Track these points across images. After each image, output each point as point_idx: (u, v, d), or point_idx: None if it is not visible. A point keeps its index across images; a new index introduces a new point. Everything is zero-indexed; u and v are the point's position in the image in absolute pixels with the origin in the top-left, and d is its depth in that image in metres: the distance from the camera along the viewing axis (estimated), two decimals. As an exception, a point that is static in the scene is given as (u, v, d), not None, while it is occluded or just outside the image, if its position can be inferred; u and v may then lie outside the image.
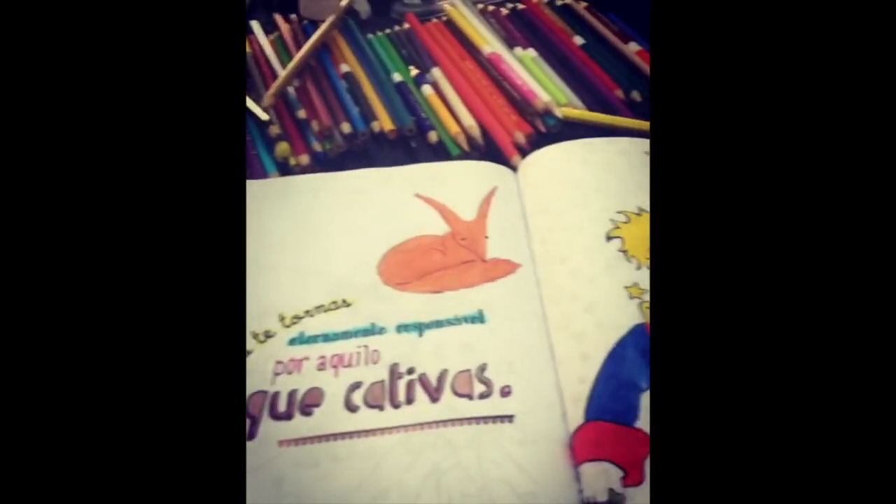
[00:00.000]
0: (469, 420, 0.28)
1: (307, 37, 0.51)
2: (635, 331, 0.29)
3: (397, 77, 0.48)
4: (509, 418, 0.28)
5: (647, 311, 0.30)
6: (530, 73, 0.47)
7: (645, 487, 0.25)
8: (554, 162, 0.38)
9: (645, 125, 0.42)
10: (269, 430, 0.28)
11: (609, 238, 0.33)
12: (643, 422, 0.26)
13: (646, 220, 0.34)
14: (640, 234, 0.33)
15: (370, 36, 0.53)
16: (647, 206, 0.35)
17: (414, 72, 0.48)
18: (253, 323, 0.32)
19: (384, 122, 0.44)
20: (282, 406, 0.29)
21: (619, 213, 0.34)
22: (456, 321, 0.31)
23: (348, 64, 0.49)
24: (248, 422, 0.28)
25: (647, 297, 0.30)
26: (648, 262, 0.32)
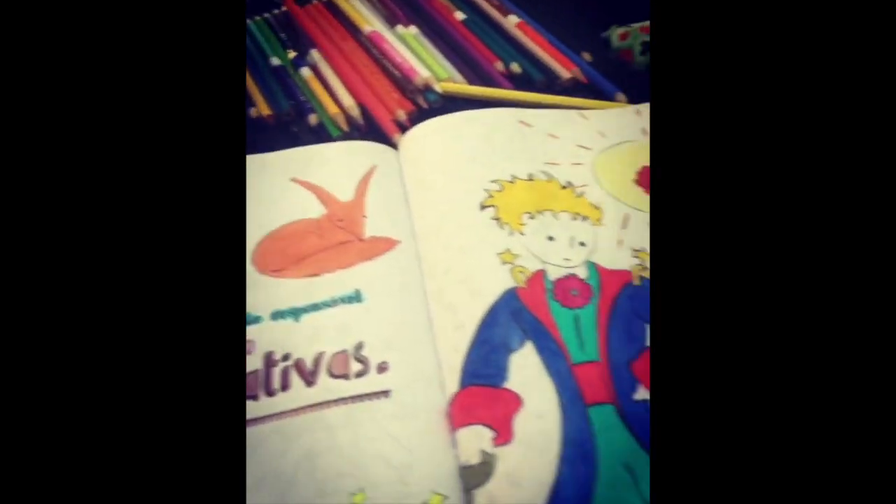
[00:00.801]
0: (345, 400, 0.27)
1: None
2: (506, 295, 0.29)
3: (275, 61, 0.46)
4: (385, 394, 0.27)
5: (519, 275, 0.30)
6: (411, 50, 0.46)
7: (514, 445, 0.25)
8: (430, 136, 0.38)
9: (522, 95, 0.42)
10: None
11: (483, 207, 0.33)
12: (511, 382, 0.27)
13: (519, 186, 0.34)
14: (512, 200, 0.33)
15: (248, 21, 0.52)
16: (519, 173, 0.35)
17: (292, 55, 0.47)
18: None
19: (262, 108, 0.42)
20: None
21: (493, 182, 0.34)
22: (333, 302, 0.31)
23: (226, 51, 0.47)
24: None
25: (518, 261, 0.31)
26: (521, 227, 0.32)
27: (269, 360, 0.29)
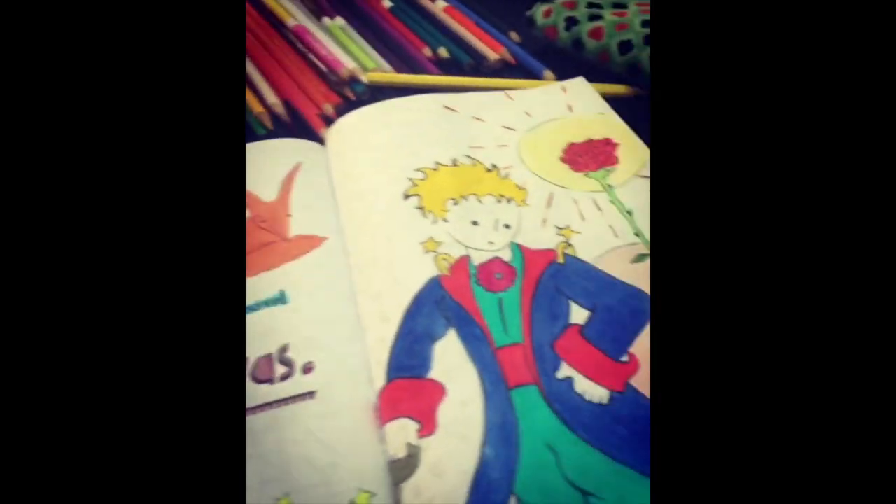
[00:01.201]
0: (270, 405, 0.27)
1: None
2: (429, 284, 0.29)
3: (202, 63, 0.45)
4: (311, 394, 0.27)
5: (443, 263, 0.30)
6: (338, 41, 0.45)
7: (438, 435, 0.25)
8: (354, 128, 0.37)
9: (449, 80, 0.42)
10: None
11: (406, 196, 0.33)
12: (435, 371, 0.26)
13: (443, 173, 0.34)
14: (435, 188, 0.33)
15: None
16: (443, 159, 0.34)
17: (218, 56, 0.46)
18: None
19: (187, 112, 0.41)
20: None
21: (416, 170, 0.34)
22: (256, 306, 0.30)
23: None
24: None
25: (442, 248, 0.30)
26: (444, 214, 0.32)
27: (193, 370, 0.28)
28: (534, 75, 0.43)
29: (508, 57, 0.44)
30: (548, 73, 0.42)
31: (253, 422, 0.26)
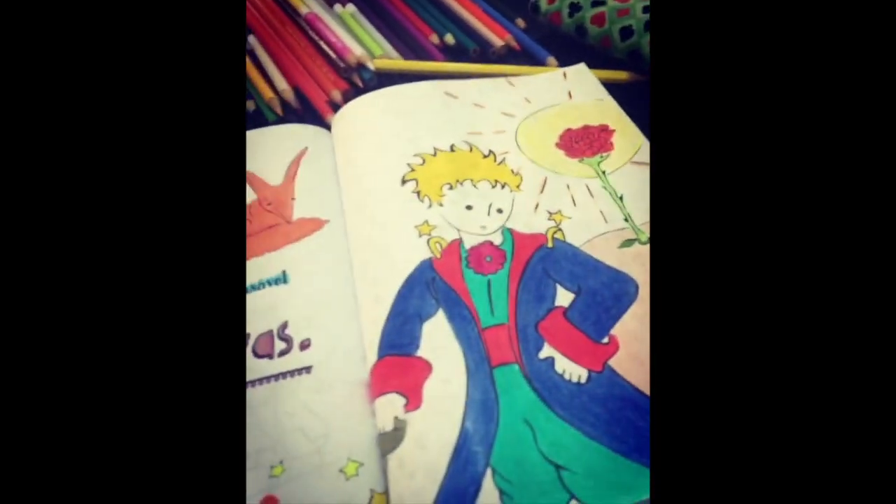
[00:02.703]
0: (268, 378, 0.28)
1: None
2: (421, 266, 0.30)
3: (217, 51, 0.47)
4: (307, 369, 0.29)
5: (435, 246, 0.31)
6: (348, 28, 0.46)
7: (423, 410, 0.26)
8: (357, 114, 0.38)
9: (454, 67, 0.43)
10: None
11: (404, 181, 0.34)
12: (423, 350, 0.27)
13: (440, 158, 0.35)
14: (432, 173, 0.34)
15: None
16: (441, 145, 0.35)
17: (232, 43, 0.48)
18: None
19: (202, 99, 0.43)
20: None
21: (415, 155, 0.35)
22: (259, 285, 0.32)
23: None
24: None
25: (436, 232, 0.31)
26: (439, 199, 0.33)
27: (199, 344, 0.30)
28: (538, 62, 0.43)
29: (513, 43, 0.44)
30: (551, 60, 0.43)
31: (252, 394, 0.28)
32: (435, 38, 0.45)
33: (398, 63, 0.43)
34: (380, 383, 0.28)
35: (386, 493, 0.25)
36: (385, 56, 0.44)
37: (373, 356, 0.28)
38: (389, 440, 0.26)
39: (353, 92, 0.42)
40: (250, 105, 0.42)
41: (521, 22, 0.46)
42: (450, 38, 0.45)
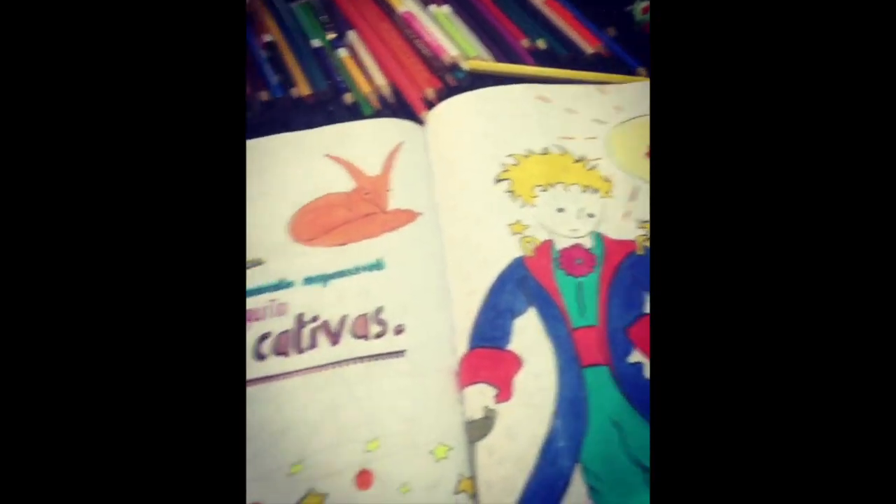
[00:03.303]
0: (364, 358, 0.30)
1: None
2: (513, 264, 0.31)
3: (316, 43, 0.49)
4: (401, 353, 0.30)
5: (527, 245, 0.32)
6: (442, 28, 0.48)
7: (513, 402, 0.27)
8: (452, 113, 0.39)
9: (545, 71, 0.43)
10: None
11: (498, 180, 0.35)
12: (514, 344, 0.29)
13: (533, 160, 0.36)
14: (525, 174, 0.35)
15: (293, 4, 0.54)
16: (534, 147, 0.36)
17: (331, 36, 0.50)
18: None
19: (302, 88, 0.45)
20: (198, 360, 0.31)
21: (508, 156, 0.36)
22: (357, 270, 0.34)
23: (270, 33, 0.50)
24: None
25: (528, 231, 0.33)
26: (532, 199, 0.34)
27: (300, 321, 0.32)
28: (628, 71, 0.43)
29: (604, 51, 0.45)
30: (641, 70, 0.43)
31: (348, 371, 0.30)
32: (526, 42, 0.46)
33: (491, 65, 0.45)
34: (470, 373, 0.29)
35: (473, 478, 0.26)
36: (478, 57, 0.45)
37: (463, 347, 0.30)
38: (478, 428, 0.27)
39: (446, 90, 0.44)
40: (348, 98, 0.44)
41: (612, 31, 0.47)
42: (541, 43, 0.46)
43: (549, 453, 0.25)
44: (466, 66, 0.44)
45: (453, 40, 0.47)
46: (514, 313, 0.30)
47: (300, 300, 0.33)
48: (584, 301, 0.30)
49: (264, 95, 0.45)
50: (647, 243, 0.32)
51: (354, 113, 0.44)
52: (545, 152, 0.36)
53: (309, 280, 0.34)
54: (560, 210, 0.33)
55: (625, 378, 0.27)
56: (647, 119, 0.38)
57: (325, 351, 0.31)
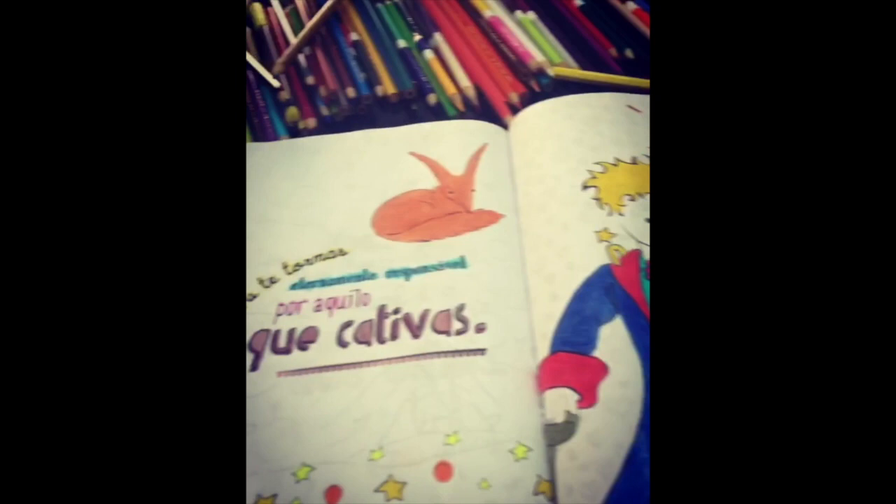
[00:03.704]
0: (445, 353, 0.30)
1: (319, 8, 0.54)
2: (600, 271, 0.31)
3: (402, 43, 0.50)
4: (482, 351, 0.30)
5: (614, 253, 0.32)
6: (528, 34, 0.48)
7: (597, 409, 0.27)
8: (539, 118, 0.40)
9: (633, 81, 0.43)
10: (270, 363, 0.31)
11: (585, 187, 0.35)
12: (600, 351, 0.28)
13: (622, 169, 0.36)
14: (613, 183, 0.35)
15: (379, 4, 0.55)
16: (623, 156, 0.36)
17: (417, 37, 0.50)
18: (259, 270, 0.35)
19: (387, 87, 0.46)
20: (282, 342, 0.32)
21: (596, 163, 0.36)
22: (440, 266, 0.34)
23: (357, 32, 0.51)
24: (251, 356, 0.32)
25: (615, 240, 0.32)
26: (620, 208, 0.34)
27: (382, 313, 0.32)
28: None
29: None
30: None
31: (429, 366, 0.30)
32: (614, 51, 0.46)
33: (578, 72, 0.45)
34: (551, 376, 0.29)
35: (551, 480, 0.26)
36: (563, 64, 0.45)
37: (545, 350, 0.30)
38: (559, 432, 0.27)
39: (530, 95, 0.44)
40: (432, 98, 0.45)
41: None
42: (629, 53, 0.46)
43: (635, 463, 0.25)
44: (552, 72, 0.44)
45: (539, 46, 0.47)
46: (601, 321, 0.29)
47: (382, 292, 0.33)
48: (673, 313, 0.29)
49: (351, 92, 0.46)
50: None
51: (438, 113, 0.45)
52: (634, 162, 0.36)
53: (391, 273, 0.34)
54: (648, 220, 0.33)
55: (714, 394, 0.27)
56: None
57: (406, 343, 0.31)
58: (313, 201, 0.39)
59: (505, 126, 0.42)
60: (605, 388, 0.27)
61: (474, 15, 0.51)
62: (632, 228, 0.33)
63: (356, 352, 0.31)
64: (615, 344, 0.29)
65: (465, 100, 0.44)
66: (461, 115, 0.44)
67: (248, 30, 0.53)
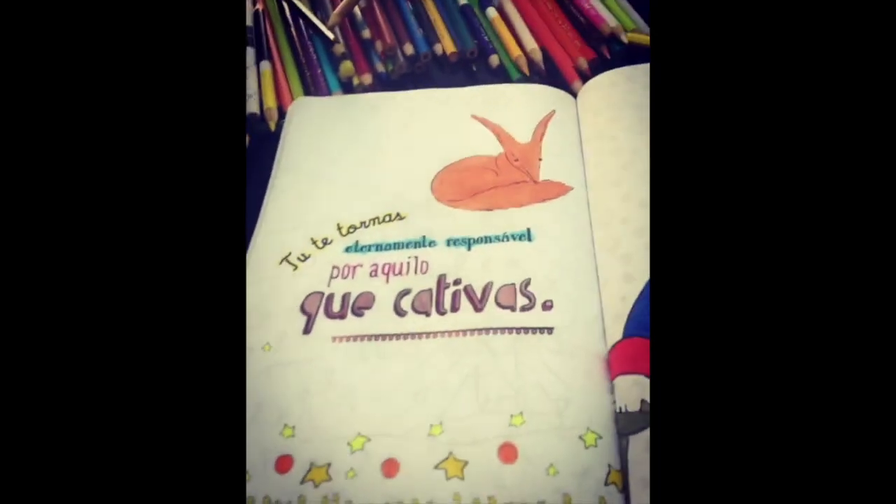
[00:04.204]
0: (510, 329, 0.29)
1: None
2: (681, 254, 0.29)
3: (463, 0, 0.47)
4: (549, 330, 0.29)
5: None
6: (600, -2, 0.45)
7: (676, 400, 0.25)
8: (613, 87, 0.37)
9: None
10: (323, 326, 0.30)
11: (664, 163, 0.33)
12: (680, 339, 0.27)
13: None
14: (696, 160, 0.33)
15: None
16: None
17: (480, -6, 0.48)
18: (311, 230, 0.34)
19: (446, 45, 0.44)
20: (336, 307, 0.31)
21: (676, 139, 0.34)
22: (504, 238, 0.32)
23: (415, -14, 0.49)
24: (304, 318, 0.30)
25: (697, 222, 0.30)
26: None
27: (442, 282, 0.31)
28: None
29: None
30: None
31: (493, 341, 0.29)
32: (691, 21, 0.43)
33: (653, 40, 0.42)
34: (624, 362, 0.27)
35: (623, 471, 0.25)
36: (638, 30, 0.43)
37: (617, 333, 0.28)
38: (632, 421, 0.26)
39: (599, 62, 0.42)
40: (494, 60, 0.42)
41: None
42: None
43: (716, 460, 0.24)
44: (626, 38, 0.42)
45: (611, 10, 0.44)
46: (681, 306, 0.28)
47: (442, 261, 0.32)
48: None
49: (408, 48, 0.44)
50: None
51: (500, 76, 0.42)
52: (717, 139, 0.34)
53: (452, 241, 0.32)
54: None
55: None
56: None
57: (468, 316, 0.29)
58: (369, 161, 0.37)
59: (573, 93, 0.39)
60: (686, 379, 0.26)
61: (542, -26, 0.48)
62: (714, 210, 0.31)
63: (414, 322, 0.30)
64: (697, 332, 0.27)
65: (531, 63, 0.42)
66: (525, 79, 0.41)
67: (302, -23, 0.50)
